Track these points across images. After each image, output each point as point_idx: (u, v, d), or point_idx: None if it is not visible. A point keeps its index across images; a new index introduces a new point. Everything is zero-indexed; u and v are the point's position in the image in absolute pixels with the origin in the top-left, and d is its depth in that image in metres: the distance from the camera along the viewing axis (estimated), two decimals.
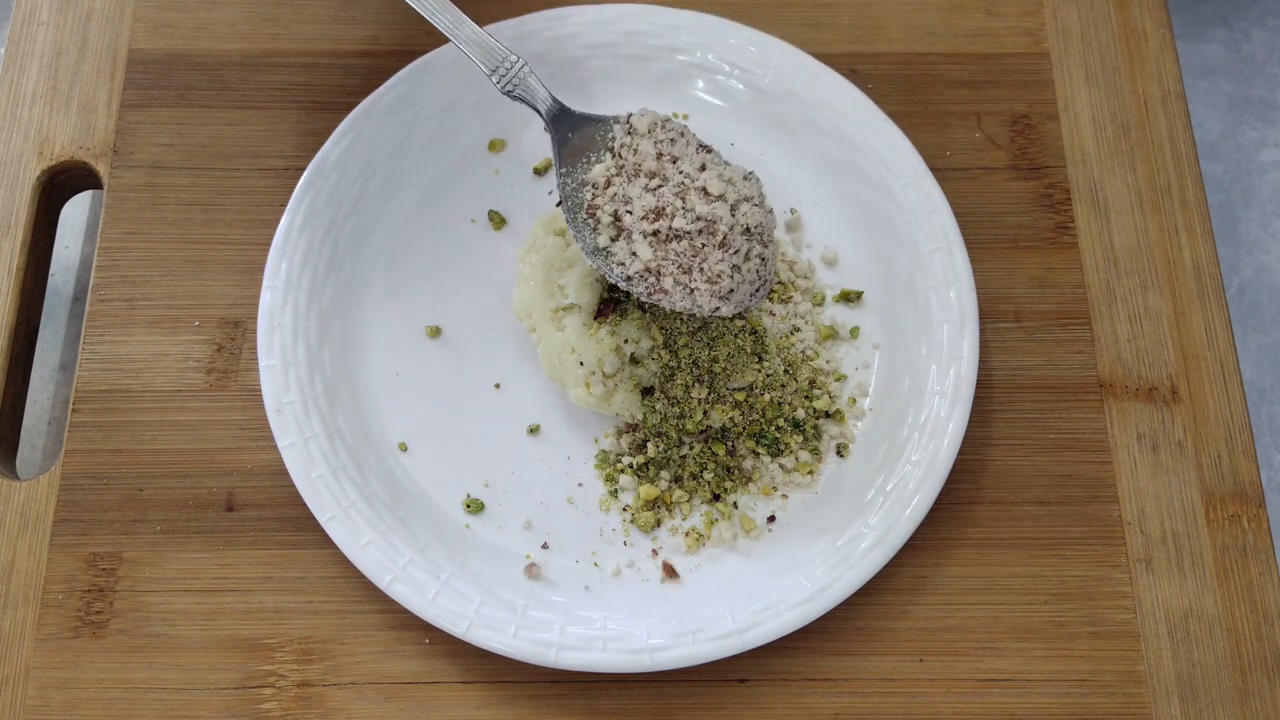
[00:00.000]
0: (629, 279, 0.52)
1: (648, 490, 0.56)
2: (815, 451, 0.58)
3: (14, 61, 0.65)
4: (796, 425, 0.57)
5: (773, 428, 0.57)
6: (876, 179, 0.62)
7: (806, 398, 0.57)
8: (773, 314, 0.58)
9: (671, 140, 0.55)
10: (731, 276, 0.52)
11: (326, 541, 0.55)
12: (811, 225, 0.63)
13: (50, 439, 0.64)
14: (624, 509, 0.56)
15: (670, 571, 0.55)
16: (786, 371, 0.57)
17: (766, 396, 0.56)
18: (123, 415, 0.58)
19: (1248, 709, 0.54)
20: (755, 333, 0.57)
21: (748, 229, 0.53)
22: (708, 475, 0.56)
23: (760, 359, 0.57)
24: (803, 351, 0.59)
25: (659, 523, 0.56)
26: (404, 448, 0.58)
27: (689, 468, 0.56)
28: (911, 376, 0.58)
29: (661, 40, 0.64)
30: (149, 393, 0.59)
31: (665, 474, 0.56)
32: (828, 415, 0.58)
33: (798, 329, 0.59)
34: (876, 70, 0.66)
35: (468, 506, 0.57)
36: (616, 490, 0.57)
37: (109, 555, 0.56)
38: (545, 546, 0.56)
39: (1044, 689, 0.54)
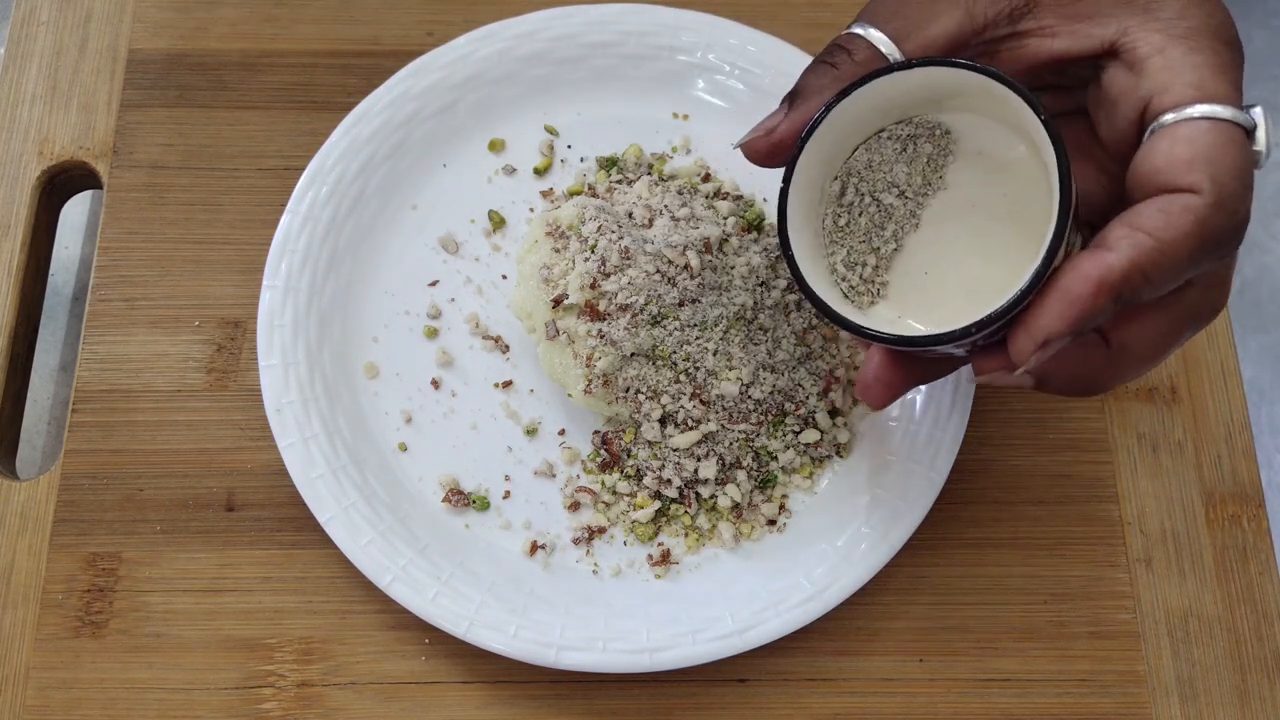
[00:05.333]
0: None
1: (643, 501, 0.56)
2: (815, 452, 0.57)
3: (14, 61, 0.65)
4: (799, 424, 0.57)
5: (771, 429, 0.57)
6: None
7: (806, 398, 0.57)
8: (773, 314, 0.58)
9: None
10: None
11: (326, 541, 0.55)
12: None
13: (50, 439, 0.64)
14: (621, 515, 0.56)
15: (666, 558, 0.55)
16: (787, 372, 0.57)
17: (765, 397, 0.56)
18: (123, 415, 0.58)
19: (1248, 709, 0.54)
20: (753, 333, 0.57)
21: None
22: (704, 490, 0.56)
23: (759, 359, 0.57)
24: (803, 352, 0.58)
25: (658, 530, 0.56)
26: (404, 448, 0.58)
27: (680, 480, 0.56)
28: None
29: (661, 40, 0.64)
30: (149, 393, 0.59)
31: (651, 482, 0.56)
32: (828, 415, 0.58)
33: (797, 330, 0.59)
34: None
35: (468, 506, 0.57)
36: (611, 503, 0.57)
37: (109, 555, 0.56)
38: (545, 546, 0.56)
39: (1044, 689, 0.54)
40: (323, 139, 0.61)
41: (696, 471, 0.56)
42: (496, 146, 0.64)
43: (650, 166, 0.63)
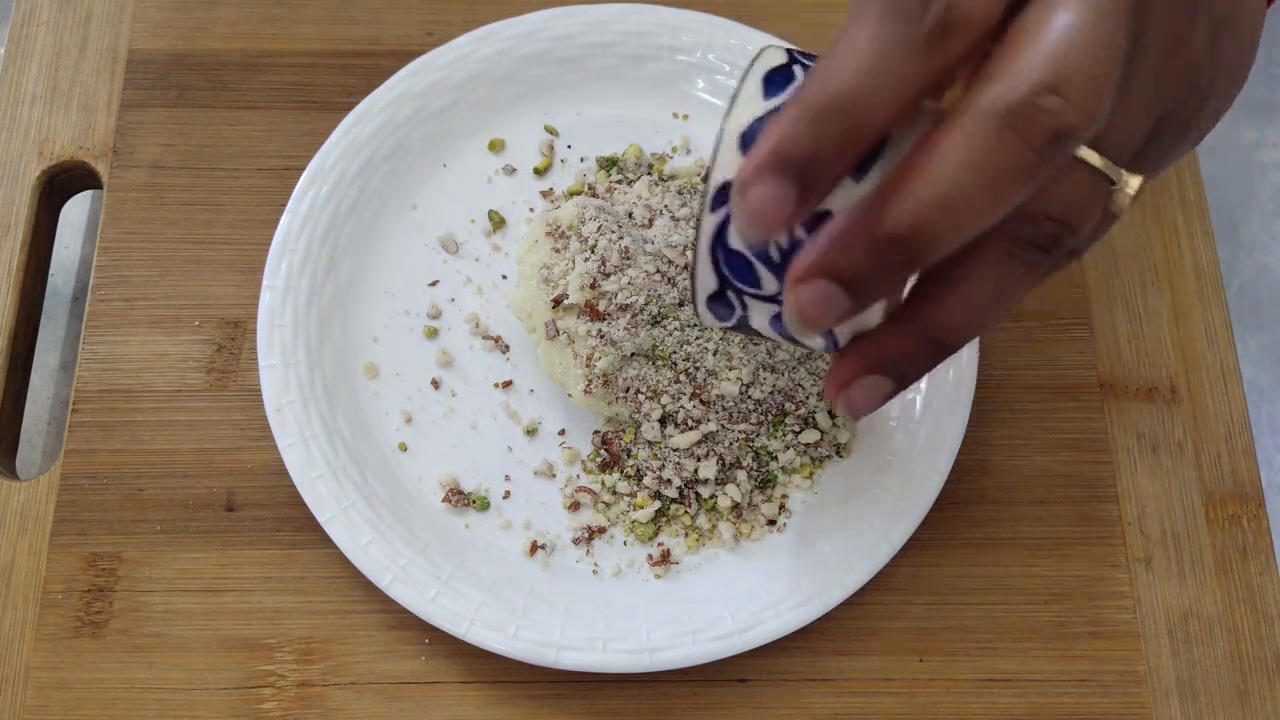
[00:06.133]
0: None
1: (643, 501, 0.56)
2: (815, 452, 0.57)
3: (14, 61, 0.65)
4: (799, 424, 0.57)
5: (771, 429, 0.57)
6: None
7: (806, 398, 0.57)
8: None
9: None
10: None
11: (326, 541, 0.55)
12: None
13: (50, 439, 0.64)
14: (621, 515, 0.56)
15: (666, 558, 0.55)
16: (787, 372, 0.57)
17: (765, 397, 0.56)
18: (123, 415, 0.58)
19: (1248, 709, 0.54)
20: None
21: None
22: (704, 490, 0.56)
23: (759, 359, 0.57)
24: (803, 352, 0.58)
25: (658, 530, 0.56)
26: (403, 448, 0.58)
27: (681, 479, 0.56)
28: None
29: (661, 40, 0.64)
30: (149, 393, 0.59)
31: (652, 482, 0.56)
32: (828, 415, 0.58)
33: None
34: None
35: (468, 506, 0.57)
36: (611, 503, 0.57)
37: (109, 555, 0.56)
38: (545, 546, 0.56)
39: (1044, 689, 0.54)
40: (323, 139, 0.61)
41: (696, 471, 0.56)
42: (496, 146, 0.64)
43: (650, 166, 0.63)
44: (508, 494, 0.57)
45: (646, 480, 0.56)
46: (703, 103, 0.65)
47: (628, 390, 0.55)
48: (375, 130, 0.62)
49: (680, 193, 0.59)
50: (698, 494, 0.56)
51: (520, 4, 0.66)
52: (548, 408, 0.59)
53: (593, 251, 0.54)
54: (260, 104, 0.65)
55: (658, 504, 0.56)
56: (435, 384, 0.59)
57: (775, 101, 0.38)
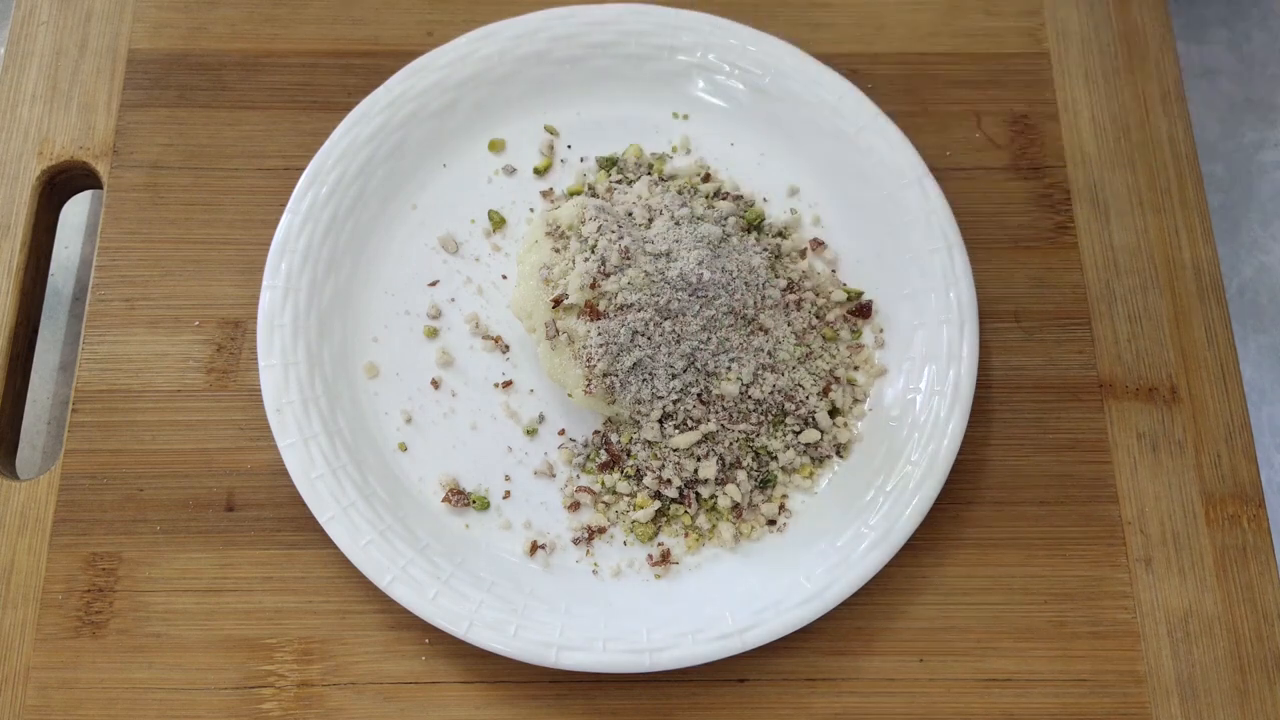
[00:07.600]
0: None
1: (643, 501, 0.56)
2: (815, 452, 0.57)
3: (14, 61, 0.66)
4: (799, 424, 0.57)
5: (771, 429, 0.57)
6: (876, 179, 0.62)
7: (806, 398, 0.57)
8: (773, 314, 0.58)
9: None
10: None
11: (326, 541, 0.55)
12: (811, 226, 0.63)
13: (50, 439, 0.64)
14: (621, 514, 0.56)
15: (666, 558, 0.55)
16: (787, 372, 0.57)
17: (765, 397, 0.56)
18: (123, 415, 0.58)
19: (1248, 709, 0.54)
20: (753, 333, 0.57)
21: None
22: (704, 490, 0.56)
23: (759, 359, 0.57)
24: (803, 352, 0.58)
25: (658, 530, 0.56)
26: (404, 448, 0.58)
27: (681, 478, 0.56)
28: (910, 377, 0.58)
29: (661, 40, 0.64)
30: (149, 393, 0.59)
31: (652, 481, 0.56)
32: (828, 415, 0.58)
33: (797, 330, 0.59)
34: (876, 70, 0.66)
35: (468, 506, 0.57)
36: (611, 503, 0.57)
37: (109, 555, 0.56)
38: (545, 546, 0.56)
39: (1044, 689, 0.54)
40: (323, 139, 0.61)
41: (696, 471, 0.56)
42: (496, 146, 0.64)
43: (650, 166, 0.63)
44: (508, 494, 0.57)
45: (646, 480, 0.56)
46: (703, 103, 0.65)
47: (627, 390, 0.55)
48: (375, 130, 0.62)
49: (680, 193, 0.59)
50: (698, 494, 0.56)
51: (520, 4, 0.66)
52: (548, 408, 0.59)
53: (593, 251, 0.54)
54: (260, 104, 0.65)
55: (658, 504, 0.56)
56: (435, 384, 0.59)
57: None
